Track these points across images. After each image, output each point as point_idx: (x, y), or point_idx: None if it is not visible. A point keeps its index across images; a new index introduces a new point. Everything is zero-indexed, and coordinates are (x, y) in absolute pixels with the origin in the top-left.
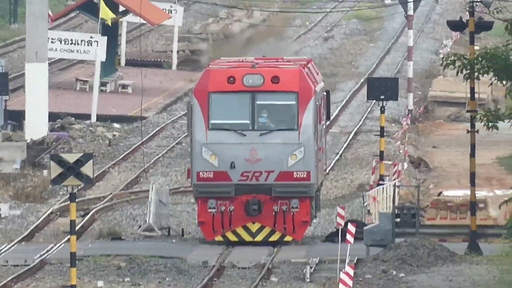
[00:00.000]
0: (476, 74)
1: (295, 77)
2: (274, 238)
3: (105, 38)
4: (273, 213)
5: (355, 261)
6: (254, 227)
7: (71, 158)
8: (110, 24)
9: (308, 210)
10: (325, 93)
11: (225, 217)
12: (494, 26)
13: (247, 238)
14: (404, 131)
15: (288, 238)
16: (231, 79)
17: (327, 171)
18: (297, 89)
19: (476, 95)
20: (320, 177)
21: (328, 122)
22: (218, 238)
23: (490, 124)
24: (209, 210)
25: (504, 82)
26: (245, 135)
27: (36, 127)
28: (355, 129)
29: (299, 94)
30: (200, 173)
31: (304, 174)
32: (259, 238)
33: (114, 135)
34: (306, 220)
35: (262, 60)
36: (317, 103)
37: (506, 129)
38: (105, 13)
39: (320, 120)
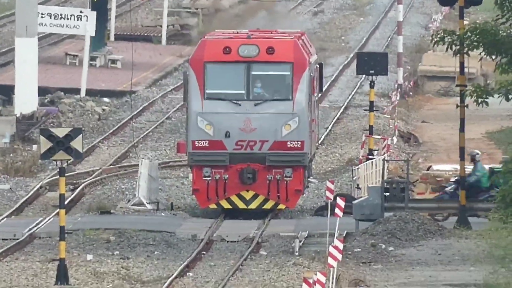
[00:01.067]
0: (465, 49)
1: (290, 48)
2: (267, 206)
3: (95, 12)
4: (267, 182)
5: (344, 235)
6: (248, 195)
7: (60, 132)
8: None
9: (301, 179)
10: (318, 66)
11: (219, 185)
12: (483, 0)
13: (241, 206)
14: (393, 105)
15: (281, 206)
16: (227, 49)
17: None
18: (292, 59)
19: (466, 70)
20: (313, 147)
21: (320, 94)
22: (212, 205)
23: (480, 100)
24: (204, 178)
25: (493, 57)
26: (240, 105)
27: (26, 101)
28: (345, 103)
29: (293, 65)
30: (196, 142)
31: (298, 143)
32: (252, 206)
33: (103, 110)
34: (299, 189)
35: (256, 32)
36: (311, 75)
37: (495, 104)
38: None
39: (313, 91)
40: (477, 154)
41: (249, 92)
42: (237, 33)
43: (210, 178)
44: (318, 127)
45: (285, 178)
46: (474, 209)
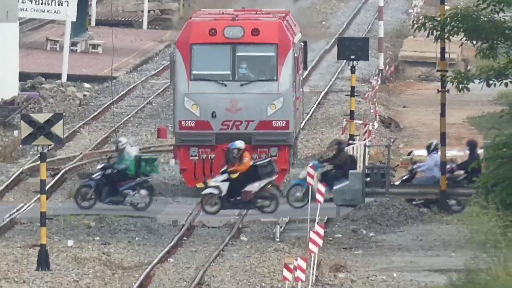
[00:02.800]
0: (446, 35)
1: (274, 29)
2: None
3: None
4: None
5: (325, 221)
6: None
7: (41, 118)
8: None
9: (287, 158)
10: (302, 44)
11: (206, 165)
12: None
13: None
14: (374, 91)
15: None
16: (212, 31)
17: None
18: (276, 41)
19: (447, 55)
20: (298, 126)
21: (306, 72)
22: (200, 184)
23: (461, 86)
24: (191, 158)
25: (474, 42)
26: (226, 86)
27: (7, 87)
28: (326, 89)
29: (278, 46)
30: (182, 122)
31: (283, 123)
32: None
33: (84, 95)
34: (285, 168)
35: (242, 12)
36: (295, 55)
37: (477, 89)
38: None
39: (298, 70)
40: (120, 142)
41: (235, 73)
42: (223, 13)
43: (197, 157)
44: (303, 105)
45: (271, 157)
46: (455, 195)
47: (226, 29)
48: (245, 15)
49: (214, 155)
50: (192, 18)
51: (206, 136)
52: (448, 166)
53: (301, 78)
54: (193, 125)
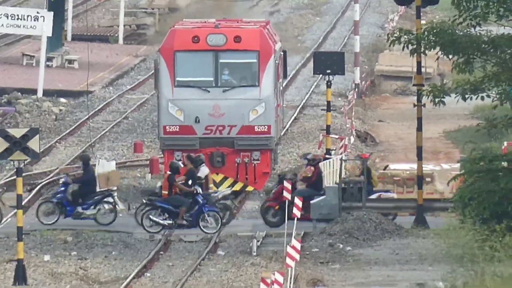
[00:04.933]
0: (422, 49)
1: (256, 36)
2: (236, 188)
3: (52, 13)
4: (236, 165)
5: (302, 235)
6: (218, 178)
7: (17, 133)
8: (54, 1)
9: (269, 162)
10: (282, 53)
11: None
12: (440, 0)
13: (212, 188)
14: (350, 105)
15: (249, 188)
16: (195, 38)
17: None
18: (258, 48)
19: (423, 69)
20: (279, 131)
21: (286, 81)
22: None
23: (437, 99)
24: None
25: (450, 56)
26: (209, 91)
27: None
28: (302, 103)
29: (260, 52)
30: (167, 127)
31: (264, 128)
32: (222, 188)
33: (60, 110)
34: (266, 171)
35: (223, 21)
36: (276, 62)
37: (452, 103)
38: None
39: (278, 77)
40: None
41: (218, 79)
42: (205, 22)
43: (181, 161)
44: (283, 111)
45: (253, 161)
46: (432, 209)
47: (209, 37)
48: (227, 23)
49: None
50: (175, 26)
51: (190, 141)
52: None
53: (282, 86)
54: (177, 130)
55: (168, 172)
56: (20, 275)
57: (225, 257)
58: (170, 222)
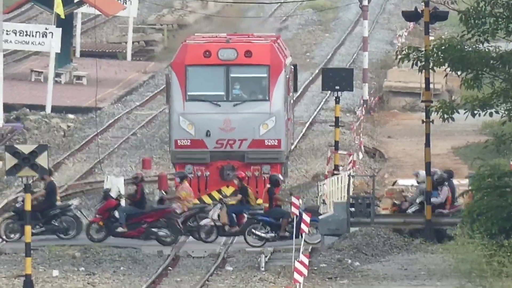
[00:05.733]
0: (431, 65)
1: (266, 51)
2: None
3: (60, 29)
4: (246, 178)
5: (310, 250)
6: (228, 191)
7: (26, 149)
8: (63, 17)
9: None
10: (293, 67)
11: (201, 182)
12: (449, 16)
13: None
14: (359, 121)
15: (259, 201)
16: (207, 53)
17: None
18: (269, 62)
19: (431, 86)
20: (289, 145)
21: (296, 95)
22: (195, 201)
23: (446, 115)
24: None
25: (459, 73)
26: (220, 106)
27: None
28: (310, 119)
29: (270, 67)
30: (178, 141)
31: (275, 142)
32: (232, 201)
33: (69, 126)
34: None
35: (234, 35)
36: (286, 76)
37: (461, 119)
38: (58, 7)
39: (289, 92)
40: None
41: (228, 94)
42: (216, 37)
43: (192, 175)
44: (293, 126)
45: (263, 174)
46: (440, 224)
47: (220, 51)
48: (238, 38)
49: (208, 173)
50: (187, 41)
51: (200, 154)
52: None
53: (292, 100)
54: (188, 143)
55: (268, 185)
56: None
57: (233, 272)
58: (273, 235)
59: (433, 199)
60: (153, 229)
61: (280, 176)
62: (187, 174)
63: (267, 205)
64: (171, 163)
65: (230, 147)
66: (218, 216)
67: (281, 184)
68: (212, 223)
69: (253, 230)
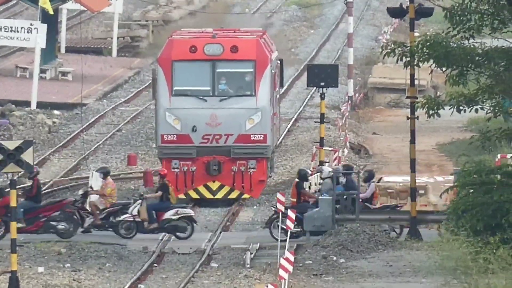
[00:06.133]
0: (416, 61)
1: (252, 46)
2: (233, 196)
3: (45, 25)
4: (232, 173)
5: (295, 247)
6: (214, 186)
7: (11, 145)
8: (52, 13)
9: (265, 170)
10: (279, 62)
11: (187, 177)
12: (434, 12)
13: (208, 195)
14: (344, 117)
15: (246, 195)
16: (193, 48)
17: None
18: (255, 57)
19: (416, 82)
20: (275, 139)
21: (282, 90)
22: (181, 195)
23: (431, 111)
24: (173, 170)
25: (444, 69)
26: (206, 101)
27: None
28: (295, 115)
29: (256, 62)
30: (164, 136)
31: (261, 136)
32: (219, 196)
33: (54, 122)
34: (262, 179)
35: (220, 31)
36: (272, 71)
37: (446, 116)
38: (45, 3)
39: (275, 87)
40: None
41: (215, 89)
42: (202, 32)
43: (178, 170)
44: (279, 120)
45: (249, 169)
46: (425, 221)
47: (206, 46)
48: (224, 33)
49: (195, 168)
50: (173, 36)
51: (187, 149)
52: None
53: (278, 95)
54: (174, 138)
55: (297, 179)
56: (14, 287)
57: (219, 269)
58: (299, 229)
59: (361, 195)
60: (51, 223)
61: (308, 170)
62: (110, 169)
63: (294, 199)
64: (158, 158)
65: (216, 142)
66: (138, 212)
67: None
68: (131, 219)
69: (278, 224)
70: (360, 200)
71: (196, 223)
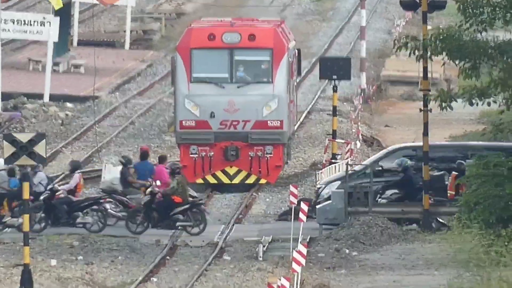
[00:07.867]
0: (428, 54)
1: (270, 35)
2: (250, 181)
3: (58, 18)
4: (249, 158)
5: (308, 240)
6: (232, 171)
7: (24, 137)
8: (62, 5)
9: (281, 156)
10: (296, 51)
11: (205, 162)
12: (446, 5)
13: (226, 180)
14: (357, 110)
15: (262, 180)
16: (211, 36)
17: None
18: (272, 46)
19: (429, 75)
20: (291, 126)
21: (299, 78)
22: (199, 180)
23: (444, 104)
24: (191, 155)
25: (457, 62)
26: (224, 88)
27: None
28: (308, 108)
29: (273, 50)
30: (183, 122)
31: (277, 123)
32: (236, 180)
33: (66, 115)
34: (279, 164)
35: (239, 20)
36: (289, 59)
37: (459, 108)
38: None
39: (292, 75)
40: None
41: (232, 76)
42: (221, 21)
43: (196, 155)
44: (296, 108)
45: (266, 155)
46: (438, 214)
47: (224, 35)
48: (242, 22)
49: (213, 153)
50: (192, 25)
51: (205, 135)
52: None
53: (295, 83)
54: (193, 124)
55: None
56: (27, 280)
57: (231, 262)
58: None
59: (64, 186)
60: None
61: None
62: (81, 164)
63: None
64: (176, 144)
65: (234, 128)
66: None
67: None
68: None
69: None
70: (64, 191)
71: (208, 213)
